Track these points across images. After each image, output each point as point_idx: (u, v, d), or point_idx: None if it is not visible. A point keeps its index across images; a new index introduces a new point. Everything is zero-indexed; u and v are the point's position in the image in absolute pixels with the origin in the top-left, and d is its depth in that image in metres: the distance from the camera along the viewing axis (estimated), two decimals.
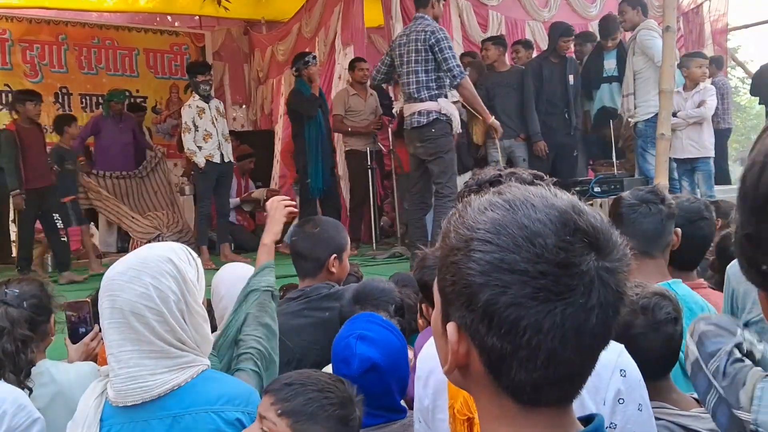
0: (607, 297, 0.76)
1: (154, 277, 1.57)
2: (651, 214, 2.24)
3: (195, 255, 1.74)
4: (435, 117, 5.31)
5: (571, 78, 7.00)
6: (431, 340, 1.47)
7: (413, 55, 5.35)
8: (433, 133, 5.32)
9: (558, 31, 7.07)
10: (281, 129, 9.42)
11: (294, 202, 2.30)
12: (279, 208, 2.26)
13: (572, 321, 0.74)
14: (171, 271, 1.60)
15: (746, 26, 11.86)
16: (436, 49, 5.26)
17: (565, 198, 0.79)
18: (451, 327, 0.81)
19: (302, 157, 6.72)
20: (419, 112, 5.34)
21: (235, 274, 2.54)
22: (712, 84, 6.76)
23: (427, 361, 1.53)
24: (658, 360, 1.72)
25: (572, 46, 7.19)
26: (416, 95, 5.35)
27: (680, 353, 1.76)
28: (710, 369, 1.31)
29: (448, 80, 5.37)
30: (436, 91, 5.35)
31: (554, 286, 0.74)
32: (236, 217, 8.28)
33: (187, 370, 1.60)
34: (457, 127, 5.47)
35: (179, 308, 1.59)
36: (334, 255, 2.68)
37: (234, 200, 8.20)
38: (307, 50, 7.93)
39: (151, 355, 1.56)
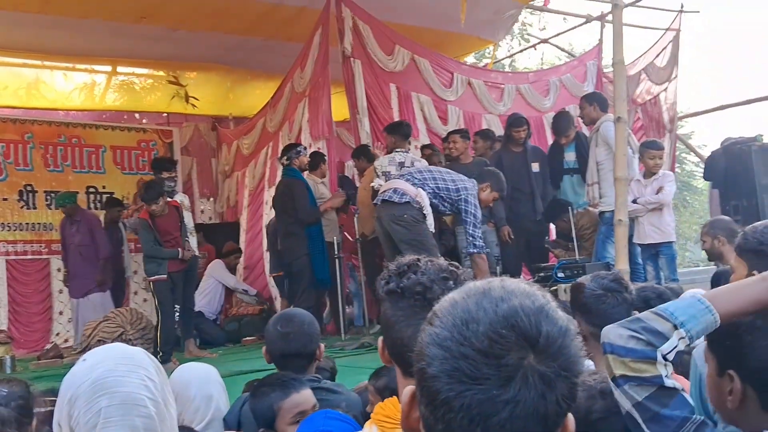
0: (529, 396, 0.76)
1: (144, 368, 1.51)
2: (619, 305, 2.25)
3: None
4: (407, 200, 5.32)
5: (534, 166, 7.23)
6: None
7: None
8: (405, 218, 5.32)
9: (509, 121, 7.41)
10: (245, 221, 9.48)
11: None
12: None
13: (481, 408, 0.76)
14: (150, 363, 1.55)
15: (696, 114, 12.39)
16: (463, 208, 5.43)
17: (528, 300, 0.81)
18: (406, 389, 0.86)
19: (300, 248, 6.71)
20: (395, 190, 5.40)
21: (201, 373, 2.53)
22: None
23: None
24: None
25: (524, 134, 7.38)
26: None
27: None
28: None
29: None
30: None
31: (471, 370, 0.76)
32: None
33: None
34: (431, 224, 5.42)
35: (163, 398, 1.54)
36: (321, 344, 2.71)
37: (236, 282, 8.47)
38: (271, 143, 8.18)
39: None
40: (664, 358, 1.38)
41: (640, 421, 1.37)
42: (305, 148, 7.12)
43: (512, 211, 6.95)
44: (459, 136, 7.13)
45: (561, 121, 7.52)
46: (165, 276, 6.27)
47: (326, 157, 7.44)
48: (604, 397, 1.69)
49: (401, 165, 6.25)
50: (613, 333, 1.41)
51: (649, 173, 6.49)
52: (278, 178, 7.78)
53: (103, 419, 1.44)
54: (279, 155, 7.34)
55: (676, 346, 1.38)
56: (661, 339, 1.38)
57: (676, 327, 1.38)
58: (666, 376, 1.39)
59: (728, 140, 7.87)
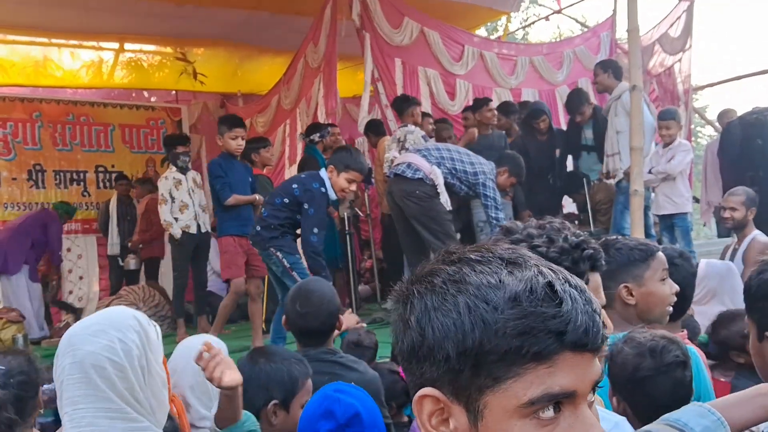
0: None
1: (119, 330, 1.53)
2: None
3: (152, 321, 1.71)
4: (420, 176, 5.27)
5: (558, 152, 7.28)
6: None
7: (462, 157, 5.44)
8: (417, 194, 5.28)
9: (528, 113, 7.41)
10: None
11: None
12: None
13: None
14: (135, 326, 1.56)
15: (711, 85, 12.24)
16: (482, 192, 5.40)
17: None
18: None
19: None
20: (408, 165, 5.33)
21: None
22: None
23: None
24: (667, 406, 1.65)
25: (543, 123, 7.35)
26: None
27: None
28: None
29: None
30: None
31: None
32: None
33: None
34: (446, 202, 5.34)
35: (140, 364, 1.54)
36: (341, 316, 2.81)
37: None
38: (288, 121, 8.11)
39: (107, 414, 1.48)
40: None
41: None
42: (330, 128, 7.06)
43: (532, 191, 6.97)
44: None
45: (574, 98, 7.40)
46: None
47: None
48: (654, 355, 1.72)
49: (398, 141, 6.21)
50: None
51: (665, 143, 6.39)
52: (299, 155, 7.74)
53: (66, 375, 1.49)
54: (304, 131, 7.26)
55: None
56: None
57: None
58: None
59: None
